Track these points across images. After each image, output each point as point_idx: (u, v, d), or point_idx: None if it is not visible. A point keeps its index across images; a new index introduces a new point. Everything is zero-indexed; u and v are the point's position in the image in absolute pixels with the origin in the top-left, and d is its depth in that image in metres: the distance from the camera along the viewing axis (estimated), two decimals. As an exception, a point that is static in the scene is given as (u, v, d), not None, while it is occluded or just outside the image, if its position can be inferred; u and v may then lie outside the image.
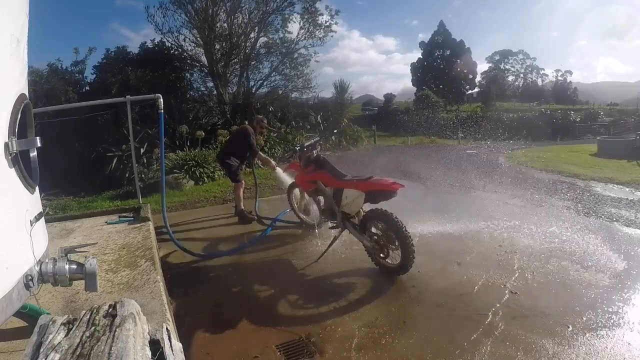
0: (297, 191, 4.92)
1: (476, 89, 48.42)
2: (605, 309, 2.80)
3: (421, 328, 2.67)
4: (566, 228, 4.65)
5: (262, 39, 18.37)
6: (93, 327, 1.08)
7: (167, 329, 1.26)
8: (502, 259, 3.79)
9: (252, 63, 18.25)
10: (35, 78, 14.16)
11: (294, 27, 18.61)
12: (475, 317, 2.76)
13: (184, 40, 17.34)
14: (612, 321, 2.64)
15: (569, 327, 2.58)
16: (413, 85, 47.49)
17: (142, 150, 10.08)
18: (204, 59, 17.59)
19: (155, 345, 1.15)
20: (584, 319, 2.68)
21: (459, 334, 2.57)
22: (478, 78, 49.12)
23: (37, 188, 1.68)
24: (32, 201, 1.62)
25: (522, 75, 62.14)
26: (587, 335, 2.49)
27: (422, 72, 46.34)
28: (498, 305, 2.89)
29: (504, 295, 3.05)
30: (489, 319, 2.72)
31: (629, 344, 2.39)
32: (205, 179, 8.98)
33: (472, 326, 2.63)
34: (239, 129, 5.91)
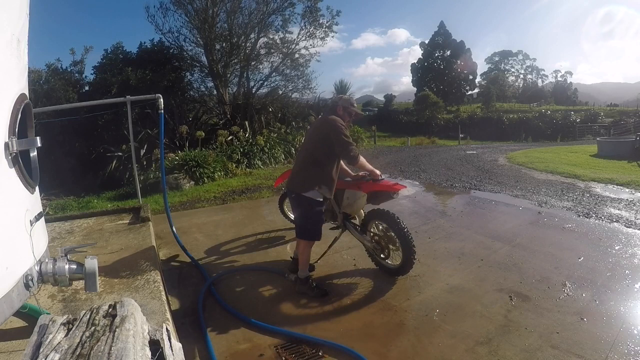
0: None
1: (476, 90, 48.54)
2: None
3: (421, 330, 2.67)
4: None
5: (263, 39, 18.36)
6: (93, 327, 1.08)
7: (167, 329, 1.26)
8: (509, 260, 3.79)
9: (252, 63, 18.21)
10: (35, 78, 14.17)
11: (295, 27, 18.64)
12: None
13: (184, 40, 17.35)
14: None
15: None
16: (413, 85, 47.62)
17: (142, 152, 10.07)
18: (204, 59, 17.58)
19: (155, 345, 1.15)
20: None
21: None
22: (478, 79, 49.28)
23: (37, 188, 1.68)
24: (32, 201, 1.62)
25: (522, 75, 62.30)
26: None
27: (423, 73, 46.41)
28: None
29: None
30: None
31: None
32: (205, 179, 8.98)
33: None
34: (319, 122, 3.31)
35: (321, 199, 3.12)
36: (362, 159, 3.10)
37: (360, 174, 3.60)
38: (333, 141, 2.97)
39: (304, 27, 18.26)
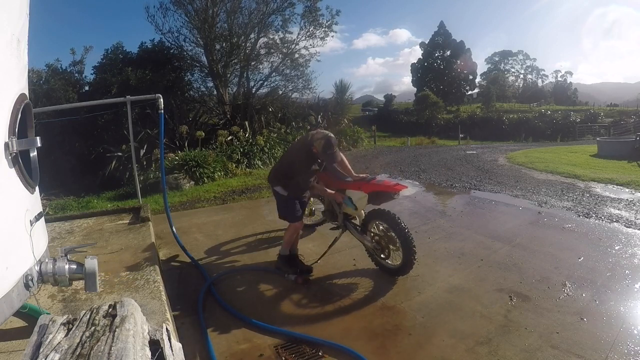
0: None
1: (476, 90, 48.58)
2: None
3: (421, 330, 2.67)
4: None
5: (263, 40, 18.37)
6: (93, 327, 1.08)
7: (166, 329, 1.26)
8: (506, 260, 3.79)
9: (252, 63, 18.21)
10: (35, 78, 14.17)
11: (295, 27, 18.64)
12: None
13: (184, 40, 17.35)
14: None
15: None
16: (413, 85, 47.65)
17: (142, 152, 10.07)
18: (204, 59, 17.58)
19: (155, 345, 1.15)
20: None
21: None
22: (478, 79, 49.33)
23: (37, 188, 1.68)
24: (32, 201, 1.62)
25: (522, 75, 62.34)
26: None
27: (422, 73, 46.45)
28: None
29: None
30: None
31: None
32: (205, 179, 8.99)
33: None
34: (303, 142, 3.56)
35: (286, 194, 3.49)
36: (317, 186, 3.59)
37: (361, 175, 3.61)
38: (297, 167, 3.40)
39: (303, 27, 18.28)
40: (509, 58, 62.41)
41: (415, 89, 46.16)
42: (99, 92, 14.33)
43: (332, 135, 3.37)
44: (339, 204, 3.70)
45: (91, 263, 1.67)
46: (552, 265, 3.64)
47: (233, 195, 7.36)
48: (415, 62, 48.09)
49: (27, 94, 1.59)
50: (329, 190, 3.63)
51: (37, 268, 1.54)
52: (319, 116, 16.60)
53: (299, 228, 3.64)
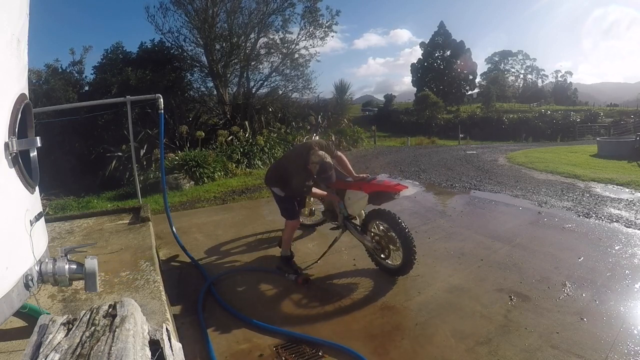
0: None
1: (476, 90, 48.54)
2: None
3: (421, 330, 2.67)
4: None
5: (263, 40, 18.39)
6: (93, 327, 1.08)
7: (166, 329, 1.26)
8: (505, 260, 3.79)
9: (252, 63, 18.23)
10: (35, 78, 14.18)
11: (295, 27, 18.65)
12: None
13: (184, 40, 17.37)
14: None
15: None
16: (413, 85, 47.61)
17: (142, 152, 10.07)
18: (204, 59, 17.61)
19: (155, 346, 1.15)
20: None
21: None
22: (478, 79, 49.28)
23: (37, 188, 1.68)
24: (32, 201, 1.62)
25: (522, 75, 62.32)
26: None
27: (422, 73, 46.40)
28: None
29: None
30: None
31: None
32: (205, 179, 8.98)
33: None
34: (299, 151, 3.62)
35: (283, 194, 3.60)
36: (314, 189, 3.49)
37: (361, 175, 3.61)
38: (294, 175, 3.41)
39: (303, 27, 18.30)
40: (509, 58, 62.40)
41: (415, 89, 46.11)
42: (99, 92, 14.34)
43: (328, 159, 3.27)
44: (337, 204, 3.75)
45: (91, 263, 1.67)
46: (552, 265, 3.64)
47: (233, 195, 7.36)
48: (416, 62, 48.06)
49: (27, 94, 1.59)
50: (325, 192, 3.69)
51: (37, 268, 1.54)
52: (319, 116, 16.59)
53: (296, 226, 3.75)
